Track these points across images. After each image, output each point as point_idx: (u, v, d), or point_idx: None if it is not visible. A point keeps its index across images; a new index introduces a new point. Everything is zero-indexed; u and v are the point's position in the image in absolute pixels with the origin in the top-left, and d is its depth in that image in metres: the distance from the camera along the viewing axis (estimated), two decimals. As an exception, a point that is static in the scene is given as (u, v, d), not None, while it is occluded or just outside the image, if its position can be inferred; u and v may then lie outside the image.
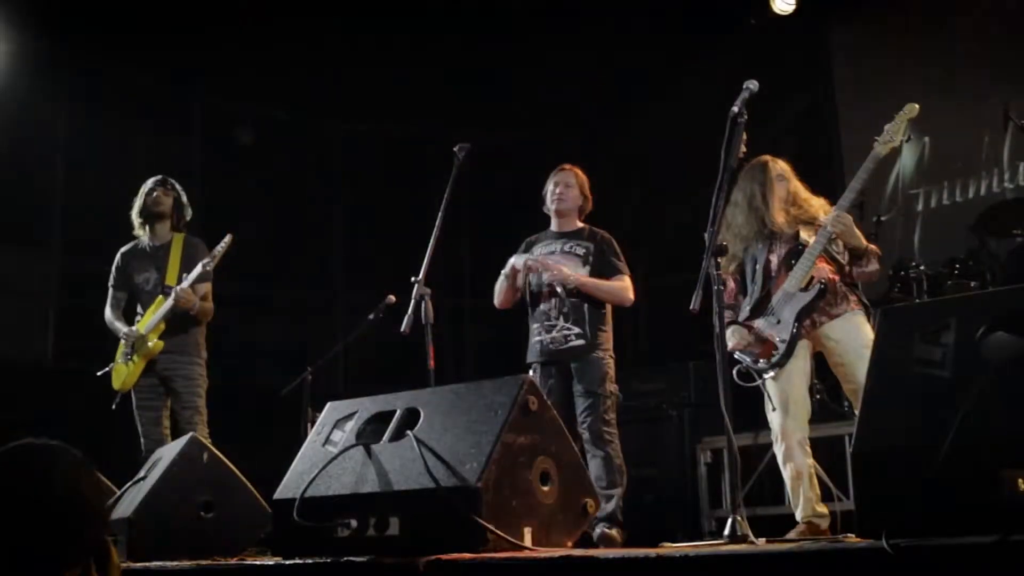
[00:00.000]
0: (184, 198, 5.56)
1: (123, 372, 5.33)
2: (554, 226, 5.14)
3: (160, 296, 5.32)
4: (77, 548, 1.88)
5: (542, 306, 4.95)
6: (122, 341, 5.34)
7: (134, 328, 5.32)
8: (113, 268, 5.54)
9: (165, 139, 8.40)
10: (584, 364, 4.80)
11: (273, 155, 8.99)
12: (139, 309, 5.44)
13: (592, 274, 4.91)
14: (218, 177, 8.62)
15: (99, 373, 5.44)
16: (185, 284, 5.19)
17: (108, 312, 5.48)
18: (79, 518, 1.88)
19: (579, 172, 5.15)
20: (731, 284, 4.22)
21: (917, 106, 4.07)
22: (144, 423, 5.29)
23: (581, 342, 4.81)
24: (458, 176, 4.72)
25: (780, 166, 4.28)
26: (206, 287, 5.37)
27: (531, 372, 4.92)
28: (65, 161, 8.06)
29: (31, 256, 7.96)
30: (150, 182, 5.51)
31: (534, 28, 8.02)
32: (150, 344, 5.23)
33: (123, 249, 5.57)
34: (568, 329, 4.85)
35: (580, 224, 5.11)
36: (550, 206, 5.10)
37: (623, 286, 4.94)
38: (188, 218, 5.57)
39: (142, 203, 5.46)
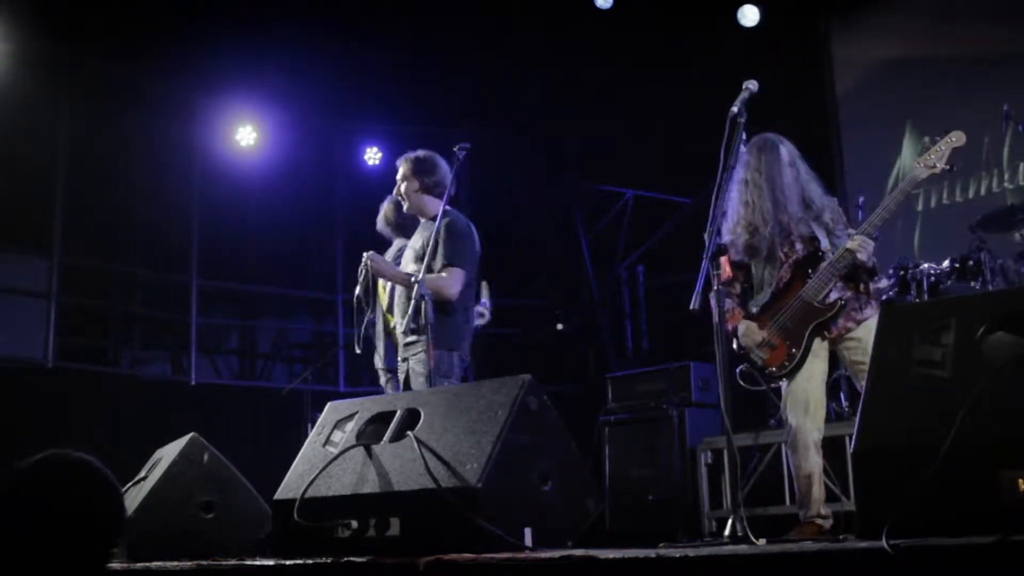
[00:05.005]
0: None
1: None
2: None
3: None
4: (99, 553, 1.96)
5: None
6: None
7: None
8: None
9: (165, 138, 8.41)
10: (417, 369, 4.42)
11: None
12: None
13: (426, 270, 4.42)
14: (213, 181, 8.64)
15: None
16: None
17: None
18: (101, 528, 1.98)
19: (406, 162, 4.75)
20: (726, 269, 3.98)
21: (964, 135, 3.94)
22: None
23: (413, 337, 4.45)
24: (458, 176, 4.73)
25: (790, 150, 4.13)
26: None
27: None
28: (65, 161, 8.07)
29: (31, 256, 7.96)
30: None
31: (531, 29, 8.02)
32: None
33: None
34: (401, 323, 4.54)
35: (433, 213, 4.63)
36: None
37: (440, 279, 4.47)
38: None
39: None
